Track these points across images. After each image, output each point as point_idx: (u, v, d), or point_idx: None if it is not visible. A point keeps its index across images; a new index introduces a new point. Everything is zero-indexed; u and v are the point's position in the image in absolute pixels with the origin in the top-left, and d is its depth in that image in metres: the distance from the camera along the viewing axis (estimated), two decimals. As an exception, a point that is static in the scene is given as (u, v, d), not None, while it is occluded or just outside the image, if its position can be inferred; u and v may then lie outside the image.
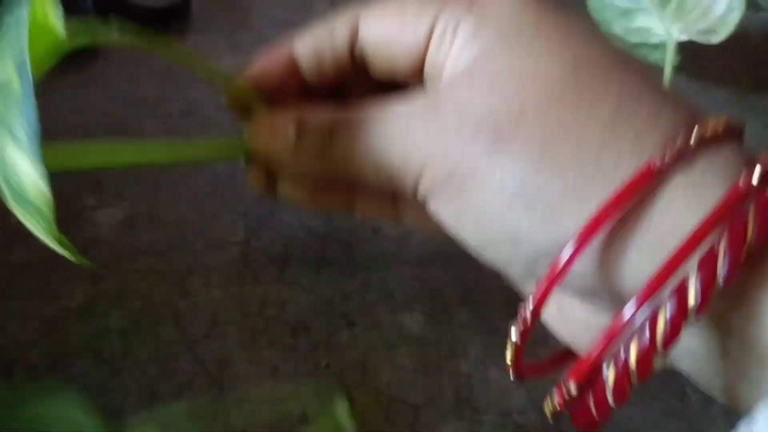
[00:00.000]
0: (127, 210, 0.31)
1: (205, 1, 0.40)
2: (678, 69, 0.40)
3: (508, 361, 0.20)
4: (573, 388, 0.18)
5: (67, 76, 0.34)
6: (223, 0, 0.40)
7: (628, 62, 0.20)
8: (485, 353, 0.29)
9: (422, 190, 0.21)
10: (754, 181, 0.16)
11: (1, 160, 0.20)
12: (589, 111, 0.18)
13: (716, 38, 0.38)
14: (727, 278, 0.16)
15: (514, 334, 0.19)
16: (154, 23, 0.38)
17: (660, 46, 0.41)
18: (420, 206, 0.23)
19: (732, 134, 0.18)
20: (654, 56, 0.42)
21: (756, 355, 0.16)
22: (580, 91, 0.18)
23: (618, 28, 0.42)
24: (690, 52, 0.40)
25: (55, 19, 0.20)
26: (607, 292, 0.19)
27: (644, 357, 0.16)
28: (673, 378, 0.31)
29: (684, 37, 0.39)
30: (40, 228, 0.21)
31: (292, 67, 0.24)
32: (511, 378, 0.21)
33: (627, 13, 0.41)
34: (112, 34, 0.23)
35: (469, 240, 0.21)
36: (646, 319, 0.16)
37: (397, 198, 0.26)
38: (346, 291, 0.30)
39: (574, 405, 0.18)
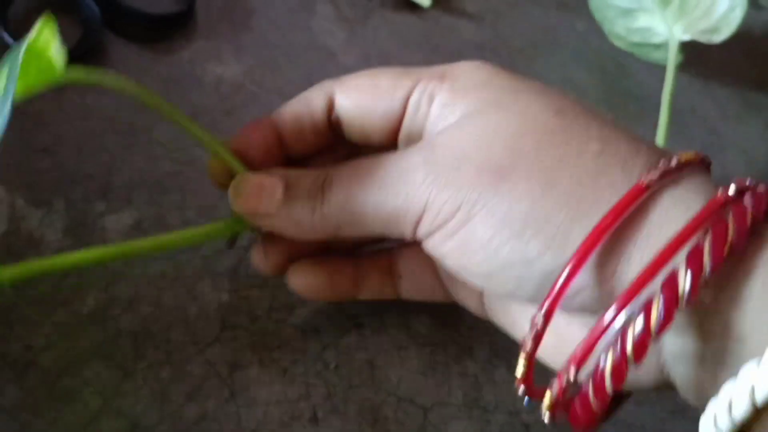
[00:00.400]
0: (135, 215, 0.31)
1: (208, 6, 0.40)
2: (680, 68, 0.40)
3: (519, 375, 0.21)
4: (572, 372, 0.19)
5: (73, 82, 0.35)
6: (225, 5, 0.41)
7: (596, 110, 0.23)
8: (492, 354, 0.30)
9: (422, 229, 0.22)
10: (731, 192, 0.19)
11: None
12: (579, 147, 0.21)
13: (718, 37, 0.38)
14: (713, 268, 0.18)
15: (528, 342, 0.20)
16: (159, 30, 0.38)
17: (662, 46, 0.41)
18: (416, 278, 0.27)
19: (702, 163, 0.21)
20: (656, 56, 0.42)
21: (736, 335, 0.18)
22: (568, 132, 0.21)
23: (619, 27, 0.42)
24: (692, 51, 0.40)
25: (54, 51, 0.21)
26: (607, 297, 0.20)
27: (640, 341, 0.18)
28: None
29: (686, 37, 0.39)
30: None
31: (274, 137, 0.26)
32: (520, 394, 0.22)
33: (628, 12, 0.41)
34: (108, 79, 0.24)
35: (475, 269, 0.22)
36: (641, 307, 0.18)
37: (394, 273, 0.28)
38: (354, 293, 0.31)
39: (571, 397, 0.20)
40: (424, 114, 0.24)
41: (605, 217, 0.19)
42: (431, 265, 0.28)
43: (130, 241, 0.27)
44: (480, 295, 0.27)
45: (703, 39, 0.39)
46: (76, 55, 0.36)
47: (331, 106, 0.26)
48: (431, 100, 0.24)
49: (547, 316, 0.20)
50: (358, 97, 0.25)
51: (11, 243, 0.29)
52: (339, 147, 0.27)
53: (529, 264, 0.20)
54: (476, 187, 0.21)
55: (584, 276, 0.20)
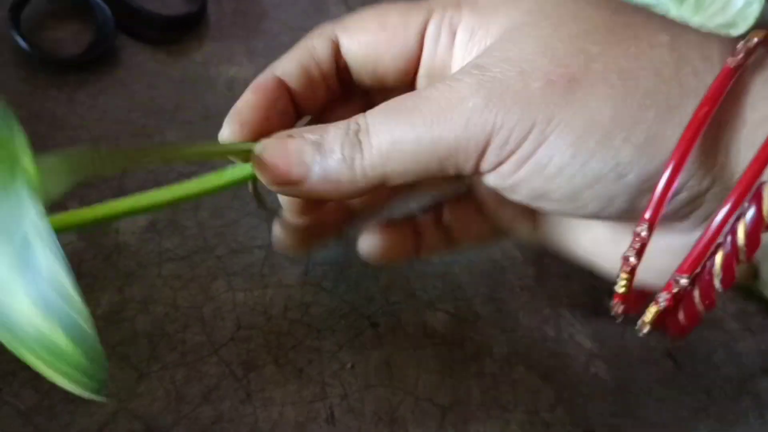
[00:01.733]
0: (149, 217, 0.31)
1: (220, 8, 0.40)
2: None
3: (621, 291, 0.20)
4: (685, 280, 0.18)
5: (87, 85, 0.35)
6: (237, 7, 0.41)
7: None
8: (511, 352, 0.29)
9: (489, 159, 0.20)
10: None
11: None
12: (649, 40, 0.19)
13: (735, 31, 0.38)
14: None
15: (632, 256, 0.19)
16: (171, 31, 0.38)
17: (677, 41, 0.40)
18: (464, 224, 0.25)
19: None
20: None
21: None
22: (632, 27, 0.19)
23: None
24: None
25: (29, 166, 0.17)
26: (713, 194, 0.19)
27: (753, 232, 0.17)
28: (702, 376, 0.30)
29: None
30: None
31: (284, 94, 0.24)
32: (618, 311, 0.21)
33: (645, 7, 0.41)
34: (90, 165, 0.20)
35: (557, 193, 0.20)
36: (750, 198, 0.17)
37: (442, 227, 0.27)
38: (369, 292, 0.30)
39: (676, 308, 0.20)
40: (447, 46, 0.22)
41: (700, 107, 0.18)
42: (475, 206, 0.27)
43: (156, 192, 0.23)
44: (534, 220, 0.25)
45: (721, 33, 0.38)
46: (88, 59, 0.36)
47: (337, 52, 0.24)
48: (452, 30, 0.22)
49: (651, 226, 0.18)
50: (366, 39, 0.23)
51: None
52: (351, 97, 0.25)
53: (621, 174, 0.18)
54: (549, 99, 0.18)
55: (685, 175, 0.18)
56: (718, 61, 0.18)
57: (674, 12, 0.39)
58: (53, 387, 0.25)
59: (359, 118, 0.21)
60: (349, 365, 0.28)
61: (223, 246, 0.31)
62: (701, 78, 0.18)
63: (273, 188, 0.22)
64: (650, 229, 0.18)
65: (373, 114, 0.21)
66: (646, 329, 0.20)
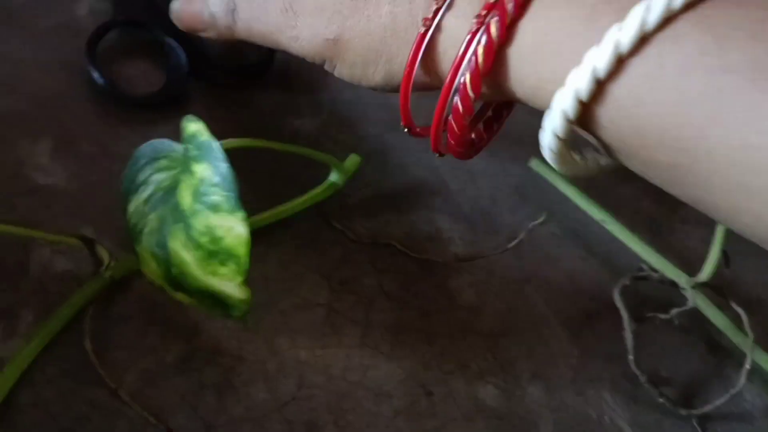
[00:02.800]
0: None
1: (286, 60, 0.41)
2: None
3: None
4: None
5: (157, 125, 0.36)
6: (303, 59, 0.42)
7: None
8: (556, 430, 0.31)
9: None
10: None
11: (207, 228, 0.25)
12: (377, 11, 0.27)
13: None
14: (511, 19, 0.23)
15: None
16: (240, 78, 0.39)
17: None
18: None
19: None
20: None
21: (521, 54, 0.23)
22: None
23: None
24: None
25: None
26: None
27: (487, 50, 0.23)
28: None
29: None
30: (231, 270, 0.25)
31: None
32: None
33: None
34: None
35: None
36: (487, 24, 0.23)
37: None
38: (425, 359, 0.31)
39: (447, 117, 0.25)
40: None
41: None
42: None
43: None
44: None
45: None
46: (160, 100, 0.37)
47: None
48: None
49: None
50: None
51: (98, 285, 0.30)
52: None
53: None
54: (332, 50, 0.28)
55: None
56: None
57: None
58: (125, 433, 0.26)
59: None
60: (404, 432, 0.29)
61: (286, 300, 0.32)
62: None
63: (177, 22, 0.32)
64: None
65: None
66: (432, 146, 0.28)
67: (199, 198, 0.25)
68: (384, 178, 0.38)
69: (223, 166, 0.25)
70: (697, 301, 0.33)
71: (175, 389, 0.28)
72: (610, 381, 0.33)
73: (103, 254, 0.29)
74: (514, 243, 0.37)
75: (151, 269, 0.27)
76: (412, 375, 0.31)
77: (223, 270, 0.25)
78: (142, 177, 0.28)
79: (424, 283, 0.34)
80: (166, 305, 0.30)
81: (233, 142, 0.29)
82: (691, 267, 0.36)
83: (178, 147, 0.28)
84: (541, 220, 0.36)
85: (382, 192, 0.38)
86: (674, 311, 0.32)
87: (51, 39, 0.39)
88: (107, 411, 0.27)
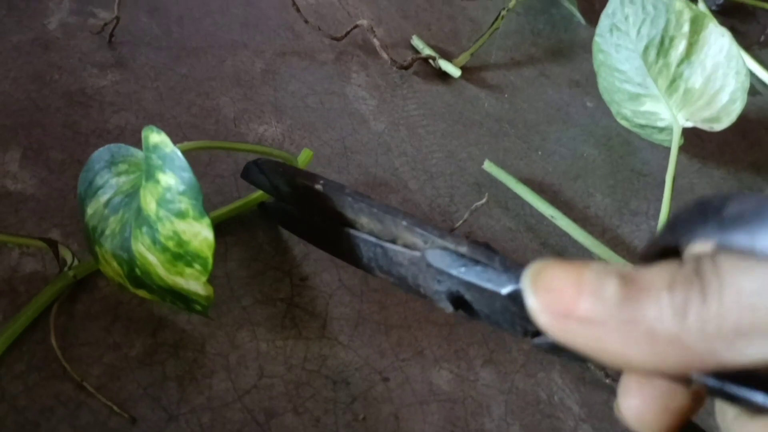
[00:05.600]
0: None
1: (251, 69, 0.43)
2: (680, 149, 0.43)
3: None
4: None
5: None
6: (268, 68, 0.44)
7: None
8: (508, 412, 0.32)
9: None
10: None
11: (174, 233, 0.27)
12: None
13: (719, 126, 0.42)
14: None
15: None
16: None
17: (665, 129, 0.44)
18: None
19: None
20: (659, 137, 0.46)
21: None
22: None
23: (626, 110, 0.46)
24: (691, 132, 0.44)
25: None
26: None
27: None
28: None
29: (689, 124, 0.43)
30: (197, 271, 0.27)
31: None
32: None
33: (635, 97, 0.45)
34: None
35: None
36: None
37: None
38: (382, 348, 0.33)
39: None
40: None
41: None
42: None
43: None
44: None
45: (705, 127, 0.42)
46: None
47: None
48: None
49: None
50: None
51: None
52: None
53: None
54: None
55: None
56: None
57: (663, 104, 0.44)
58: (90, 423, 0.28)
59: (708, 255, 0.15)
60: (361, 416, 0.30)
61: (248, 297, 0.33)
62: None
63: (542, 319, 0.17)
64: None
65: (729, 255, 0.15)
66: None
67: (164, 205, 0.26)
68: (345, 178, 0.40)
69: (188, 176, 0.26)
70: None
71: (138, 382, 0.29)
72: (559, 364, 0.34)
73: (67, 255, 0.30)
74: (459, 223, 0.38)
75: (111, 268, 0.28)
76: (369, 363, 0.32)
77: (188, 271, 0.27)
78: (100, 181, 0.29)
79: (382, 277, 0.36)
80: (131, 303, 0.31)
81: (191, 144, 0.30)
82: (637, 256, 0.38)
83: (137, 153, 0.30)
84: (483, 201, 0.38)
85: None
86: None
87: (22, 52, 0.40)
88: (72, 403, 0.28)
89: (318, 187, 0.30)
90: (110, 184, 0.29)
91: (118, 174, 0.30)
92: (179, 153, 0.27)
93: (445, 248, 0.25)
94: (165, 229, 0.27)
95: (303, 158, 0.37)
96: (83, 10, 0.44)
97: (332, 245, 0.31)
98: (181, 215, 0.26)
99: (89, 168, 0.30)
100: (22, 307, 0.30)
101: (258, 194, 0.36)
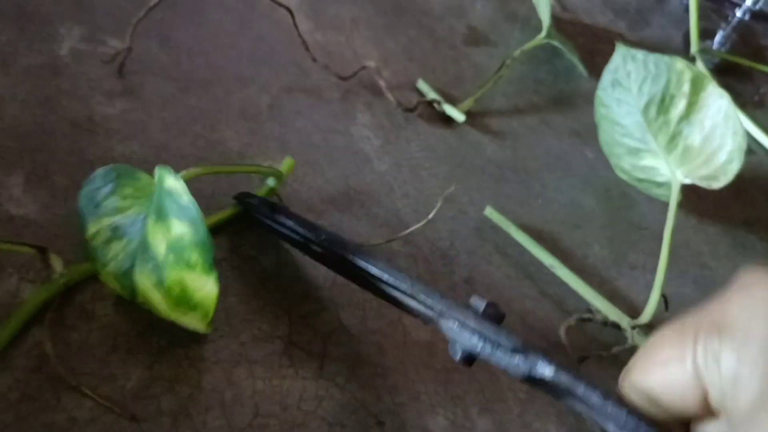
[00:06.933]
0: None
1: (257, 103, 0.43)
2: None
3: None
4: None
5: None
6: (273, 104, 0.44)
7: None
8: (502, 463, 0.32)
9: None
10: None
11: (181, 281, 0.28)
12: None
13: (717, 184, 0.43)
14: None
15: None
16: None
17: (663, 184, 0.45)
18: None
19: None
20: (657, 192, 0.46)
21: None
22: None
23: (626, 163, 0.47)
24: (687, 188, 0.45)
25: None
26: None
27: None
28: None
29: (687, 181, 0.43)
30: (198, 316, 0.28)
31: None
32: None
33: (635, 151, 0.46)
34: None
35: None
36: None
37: None
38: (378, 391, 0.33)
39: None
40: (716, 382, 0.20)
41: None
42: None
43: None
44: None
45: (703, 184, 0.43)
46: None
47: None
48: (717, 363, 0.19)
49: None
50: (653, 376, 0.22)
51: (63, 312, 0.31)
52: None
53: None
54: None
55: None
56: None
57: (662, 159, 0.44)
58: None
59: None
60: (355, 461, 0.30)
61: (246, 332, 0.33)
62: None
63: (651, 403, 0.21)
64: None
65: None
66: None
67: (175, 252, 0.27)
68: (347, 218, 0.40)
69: (202, 230, 0.26)
70: (636, 340, 0.35)
71: (132, 415, 0.29)
72: (555, 415, 0.34)
73: (56, 262, 0.30)
74: (425, 219, 0.38)
75: (112, 284, 0.29)
76: (365, 405, 0.32)
77: (190, 314, 0.27)
78: (104, 200, 0.29)
79: (381, 320, 0.36)
80: (130, 334, 0.31)
81: (193, 171, 0.30)
82: (635, 310, 0.38)
83: (143, 176, 0.30)
84: (451, 189, 0.37)
85: (345, 234, 0.39)
86: (615, 349, 0.34)
87: (31, 76, 0.40)
88: (64, 435, 0.27)
89: (316, 247, 0.31)
90: (114, 206, 0.29)
91: (124, 197, 0.30)
92: (194, 204, 0.27)
93: (455, 319, 0.26)
94: (172, 274, 0.27)
95: (286, 167, 0.38)
96: (94, 38, 0.45)
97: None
98: (190, 267, 0.26)
99: (93, 184, 0.30)
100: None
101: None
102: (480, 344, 0.25)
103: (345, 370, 0.33)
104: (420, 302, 0.28)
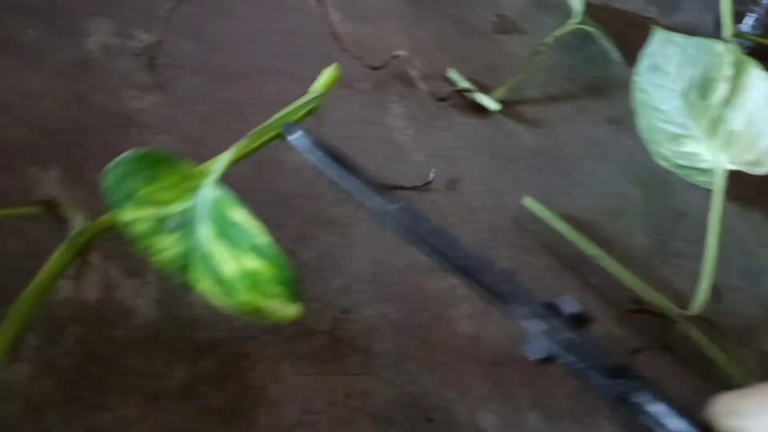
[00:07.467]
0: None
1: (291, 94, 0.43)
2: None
3: None
4: None
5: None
6: (307, 95, 0.43)
7: None
8: (555, 458, 0.31)
9: None
10: None
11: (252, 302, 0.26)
12: None
13: (761, 170, 0.41)
14: None
15: None
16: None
17: (706, 171, 0.44)
18: None
19: None
20: (699, 178, 0.45)
21: None
22: None
23: (666, 150, 0.45)
24: (730, 175, 0.43)
25: None
26: None
27: None
28: None
29: (732, 167, 0.42)
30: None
31: None
32: None
33: (676, 137, 0.45)
34: None
35: None
36: None
37: None
38: (426, 387, 0.32)
39: None
40: None
41: None
42: None
43: None
44: None
45: (747, 170, 0.42)
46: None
47: None
48: None
49: None
50: None
51: (103, 310, 0.30)
52: None
53: None
54: None
55: None
56: None
57: (704, 145, 0.43)
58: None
59: None
60: (406, 458, 0.29)
61: (290, 327, 0.32)
62: None
63: None
64: None
65: None
66: None
67: (251, 283, 0.26)
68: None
69: (287, 270, 0.25)
70: (689, 333, 0.34)
71: (180, 414, 0.28)
72: (607, 409, 0.33)
73: (71, 214, 0.28)
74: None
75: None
76: (412, 402, 0.31)
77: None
78: (140, 187, 0.28)
79: (425, 312, 0.35)
80: (170, 330, 0.30)
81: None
82: (682, 300, 0.37)
83: (182, 166, 0.29)
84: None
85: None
86: (667, 343, 0.33)
87: (62, 72, 0.40)
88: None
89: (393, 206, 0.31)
90: (154, 197, 0.28)
91: (163, 188, 0.28)
92: (273, 244, 0.25)
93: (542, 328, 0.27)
94: (245, 297, 0.26)
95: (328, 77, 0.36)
96: (123, 32, 0.44)
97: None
98: (269, 296, 0.26)
99: (124, 167, 0.28)
100: (58, 331, 0.29)
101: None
102: (571, 359, 0.26)
103: (391, 365, 0.32)
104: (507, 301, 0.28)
